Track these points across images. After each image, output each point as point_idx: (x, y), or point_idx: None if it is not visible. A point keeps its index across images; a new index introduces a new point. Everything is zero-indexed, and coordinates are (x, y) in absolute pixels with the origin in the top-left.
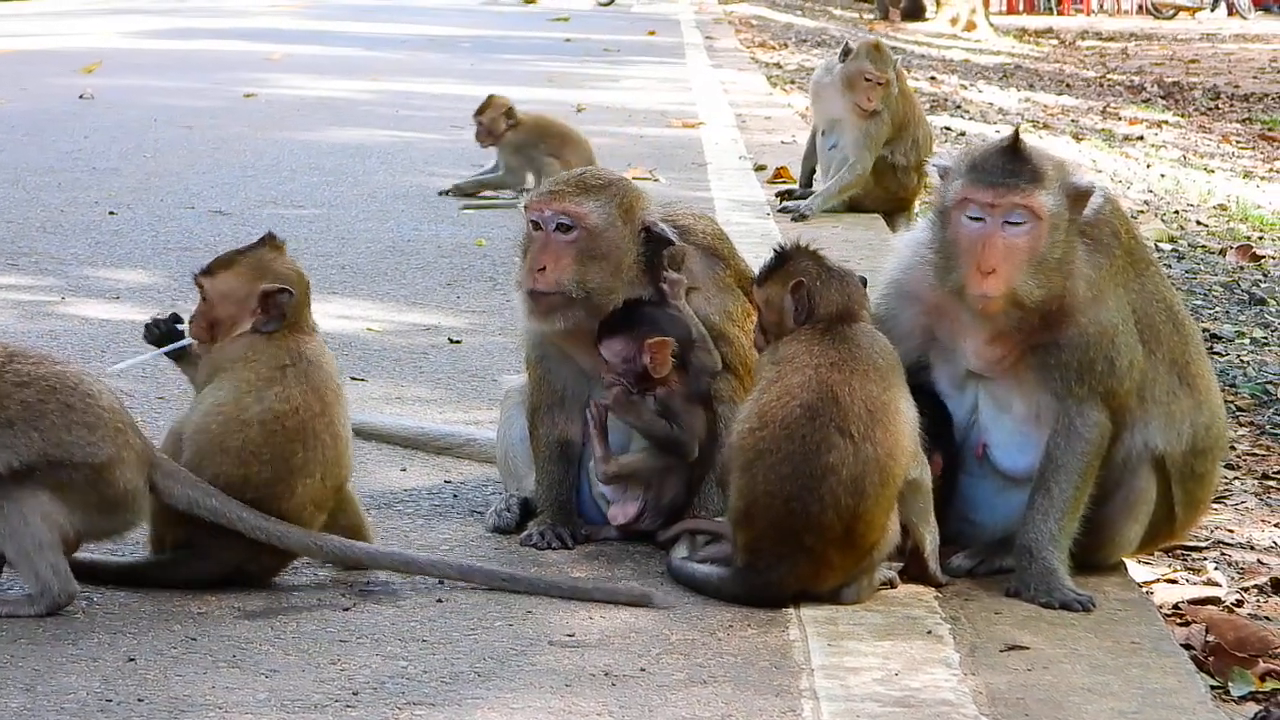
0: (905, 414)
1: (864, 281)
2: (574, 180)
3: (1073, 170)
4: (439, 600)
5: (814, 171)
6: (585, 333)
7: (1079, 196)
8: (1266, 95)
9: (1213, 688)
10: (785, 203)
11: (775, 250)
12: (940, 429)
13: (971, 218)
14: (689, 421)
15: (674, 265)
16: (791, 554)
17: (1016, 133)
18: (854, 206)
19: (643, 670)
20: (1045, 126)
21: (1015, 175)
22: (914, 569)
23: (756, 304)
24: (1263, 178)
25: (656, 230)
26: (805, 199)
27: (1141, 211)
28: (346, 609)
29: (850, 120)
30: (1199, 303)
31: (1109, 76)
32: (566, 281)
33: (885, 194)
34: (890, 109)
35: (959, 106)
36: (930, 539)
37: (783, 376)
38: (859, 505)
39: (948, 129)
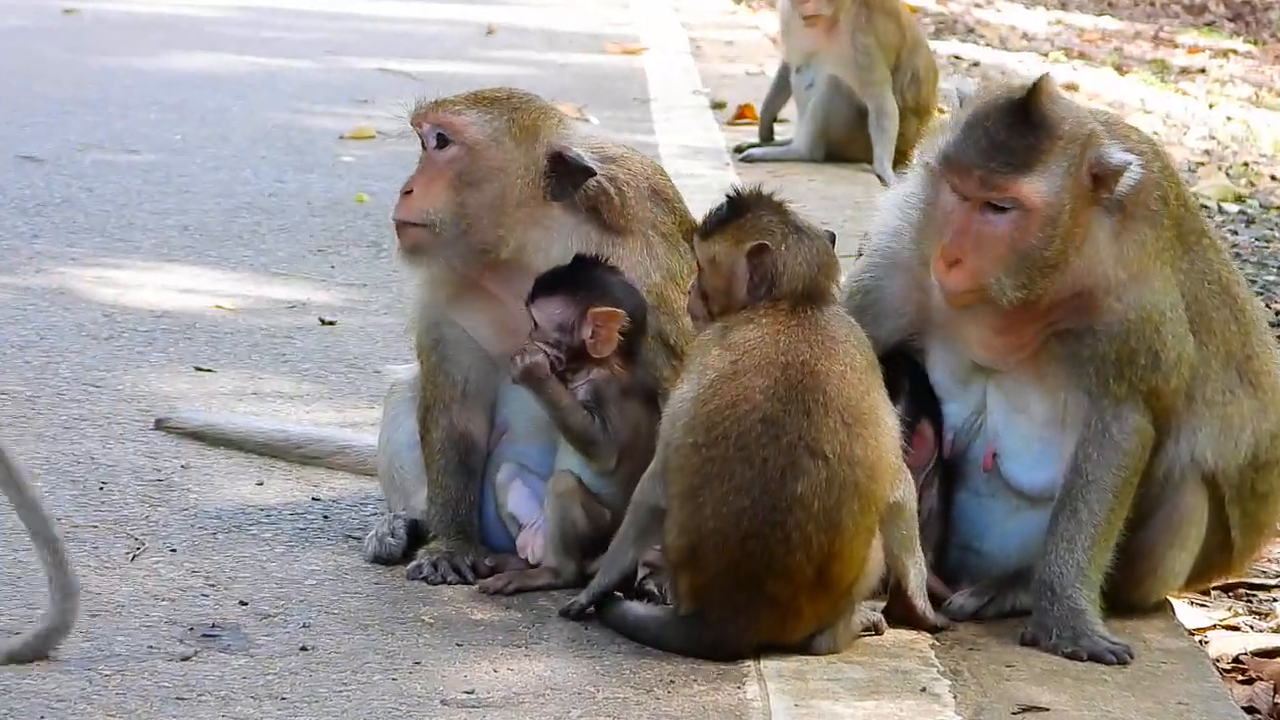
0: (887, 423)
1: (832, 238)
2: (470, 92)
3: (1104, 136)
4: (303, 647)
5: (775, 120)
6: (494, 307)
7: (1106, 176)
8: None
9: None
10: (751, 150)
11: (730, 196)
12: (925, 402)
13: (954, 188)
14: (618, 422)
15: (601, 205)
16: (751, 604)
17: (1034, 89)
18: (836, 155)
19: None
20: (1081, 56)
21: (1007, 153)
22: (898, 609)
23: (699, 261)
24: None
25: (571, 156)
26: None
27: (1201, 164)
28: (186, 657)
29: (828, 53)
30: (1272, 278)
31: None
32: (435, 210)
33: None
34: (877, 32)
35: (971, 30)
36: (915, 572)
37: (738, 373)
38: (834, 542)
39: (957, 58)
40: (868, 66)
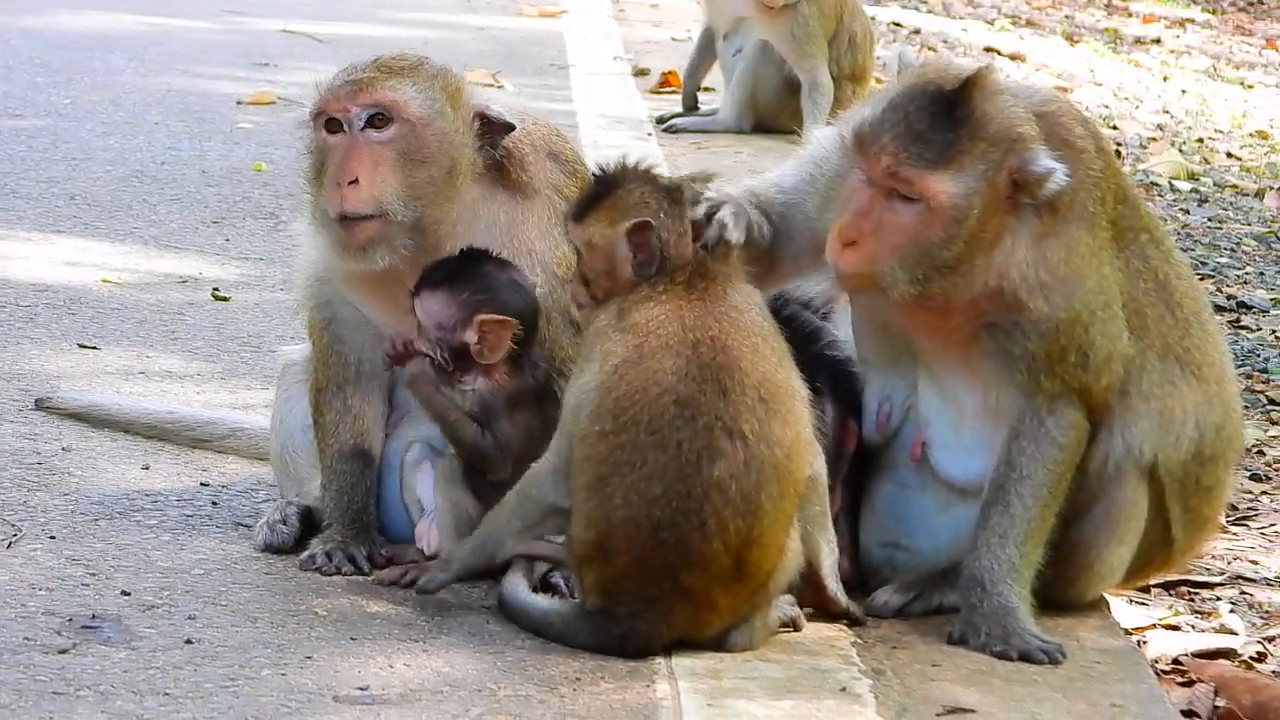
0: (800, 395)
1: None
2: (377, 65)
3: (1032, 141)
4: (189, 640)
5: (700, 89)
6: (392, 282)
7: (1028, 183)
8: None
9: None
10: (675, 119)
11: (596, 174)
12: (839, 385)
13: (860, 169)
14: (508, 433)
15: (507, 165)
16: (663, 597)
17: (966, 84)
18: (764, 126)
19: None
20: (1029, 24)
21: (922, 145)
22: (809, 593)
23: (575, 246)
24: None
25: (494, 115)
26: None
27: (1154, 139)
28: (64, 650)
29: (761, 19)
30: (1224, 260)
31: None
32: (390, 197)
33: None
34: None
35: None
36: (828, 551)
37: (645, 356)
38: (753, 528)
39: (897, 24)
40: (805, 38)
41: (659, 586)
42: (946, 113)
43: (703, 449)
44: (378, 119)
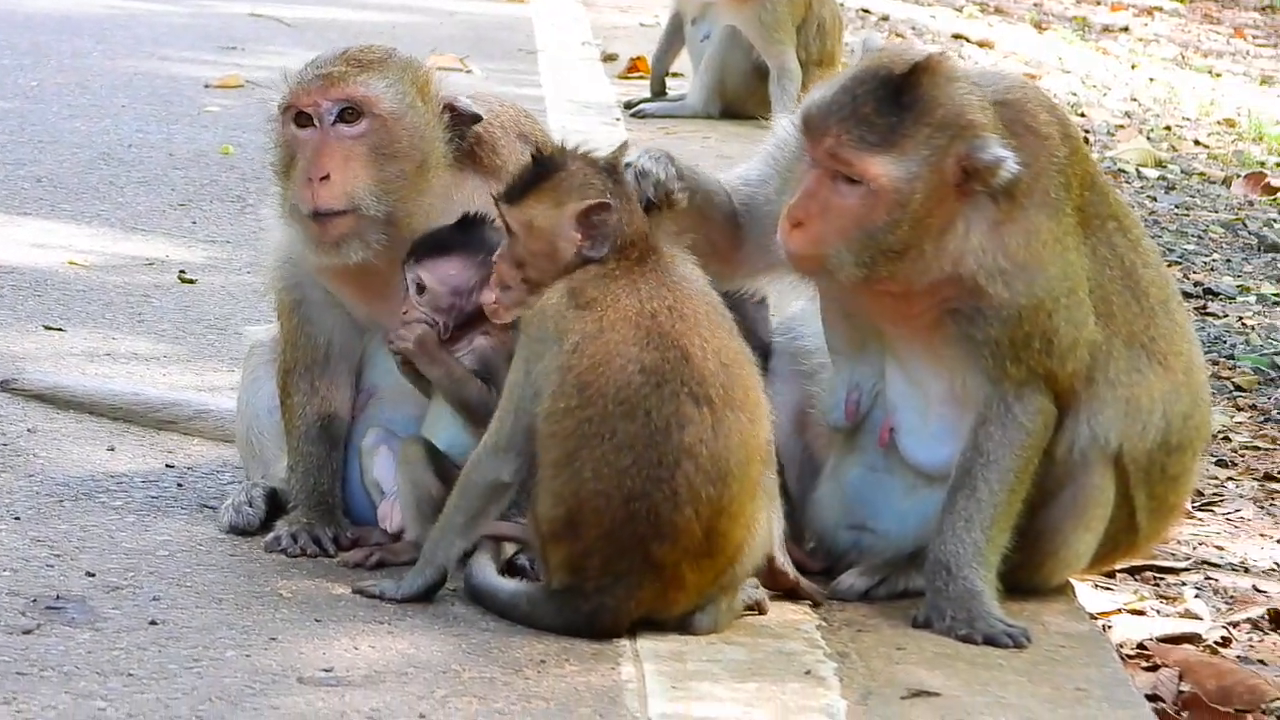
0: (753, 362)
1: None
2: (346, 58)
3: (984, 128)
4: (153, 621)
5: (668, 74)
6: (364, 268)
7: (978, 170)
8: None
9: None
10: (643, 105)
11: (534, 155)
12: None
13: (806, 150)
14: None
15: (479, 150)
16: (632, 572)
17: (915, 69)
18: (733, 112)
19: (422, 717)
20: (997, 11)
21: (865, 127)
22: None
23: (510, 228)
24: None
25: (461, 106)
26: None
27: (1121, 127)
28: (28, 631)
29: (727, 6)
30: (1191, 248)
31: None
32: (362, 192)
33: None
34: None
35: None
36: (776, 519)
37: (605, 329)
38: (722, 495)
39: (865, 11)
40: (773, 25)
41: (628, 560)
42: (893, 97)
43: (671, 415)
44: (348, 113)
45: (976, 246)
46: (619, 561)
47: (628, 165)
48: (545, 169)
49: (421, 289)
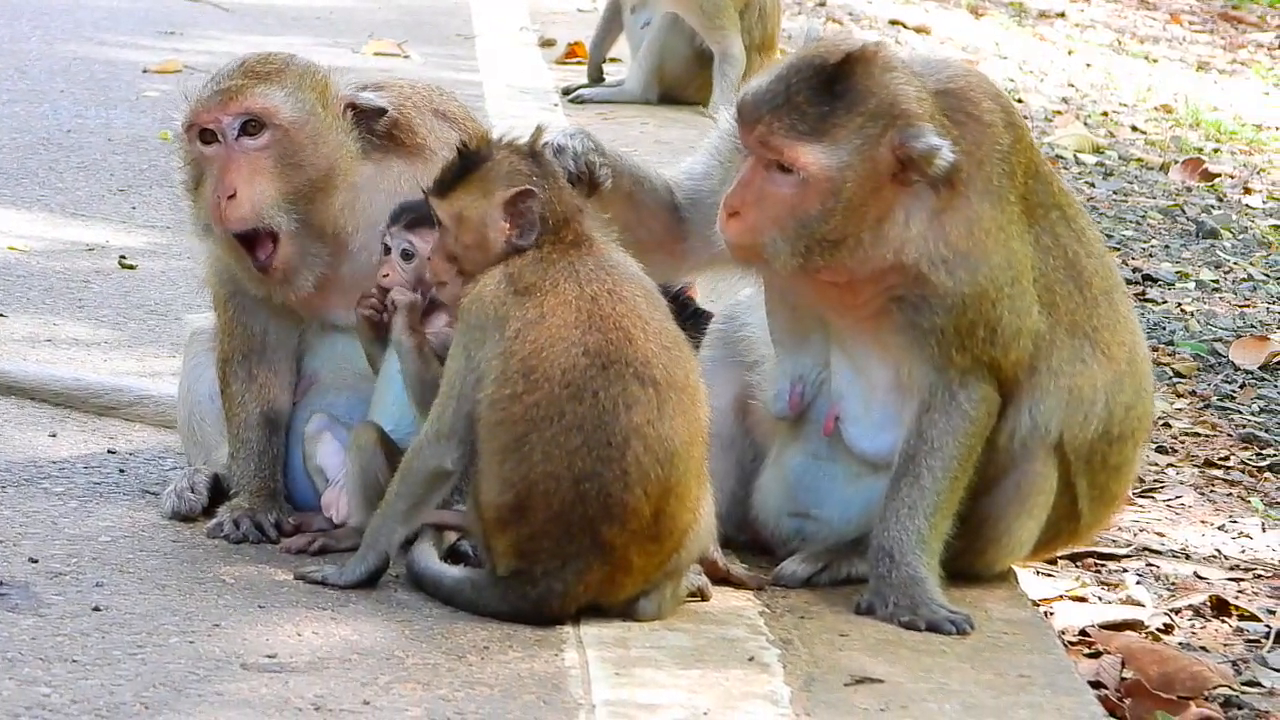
0: (688, 343)
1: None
2: (243, 70)
3: (918, 118)
4: (96, 608)
5: (606, 60)
6: (322, 285)
7: (914, 159)
8: None
9: None
10: (581, 90)
11: (459, 148)
12: None
13: (739, 138)
14: None
15: (399, 131)
16: (581, 554)
17: (846, 59)
18: (672, 98)
19: (366, 704)
20: None
21: (796, 116)
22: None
23: (440, 221)
24: (1222, 71)
25: (363, 103)
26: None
27: (1059, 113)
28: None
29: None
30: (1129, 234)
31: None
32: (269, 206)
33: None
34: None
35: None
36: (706, 500)
37: (546, 314)
38: (670, 475)
39: (821, 3)
40: (714, 11)
41: (578, 543)
42: (826, 86)
43: (619, 396)
44: (250, 126)
45: (917, 235)
46: (568, 544)
47: (545, 144)
48: (471, 160)
49: (409, 255)
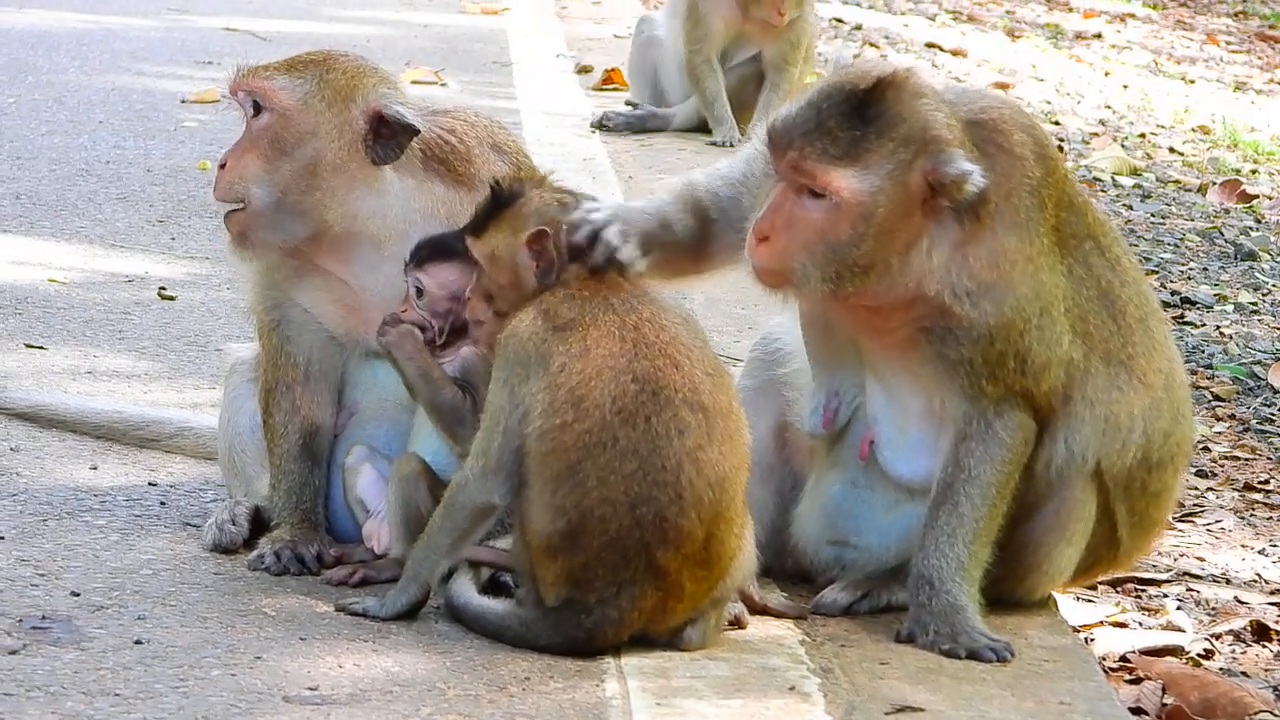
0: (726, 368)
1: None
2: (290, 57)
3: (950, 144)
4: (138, 641)
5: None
6: (335, 285)
7: (945, 185)
8: None
9: None
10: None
11: (493, 187)
12: None
13: (770, 164)
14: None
15: (450, 158)
16: (635, 580)
17: (877, 84)
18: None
19: None
20: (970, 19)
21: (828, 141)
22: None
23: (479, 261)
24: (1259, 91)
25: (391, 115)
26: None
27: (1096, 135)
28: (13, 651)
29: (766, 37)
30: (1167, 256)
31: None
32: (247, 183)
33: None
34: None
35: None
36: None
37: (590, 346)
38: (720, 499)
39: (839, 21)
40: (796, 44)
41: (633, 568)
42: (858, 111)
43: (670, 421)
44: (256, 106)
45: (939, 266)
46: (623, 570)
47: (589, 226)
48: (504, 199)
49: (421, 293)
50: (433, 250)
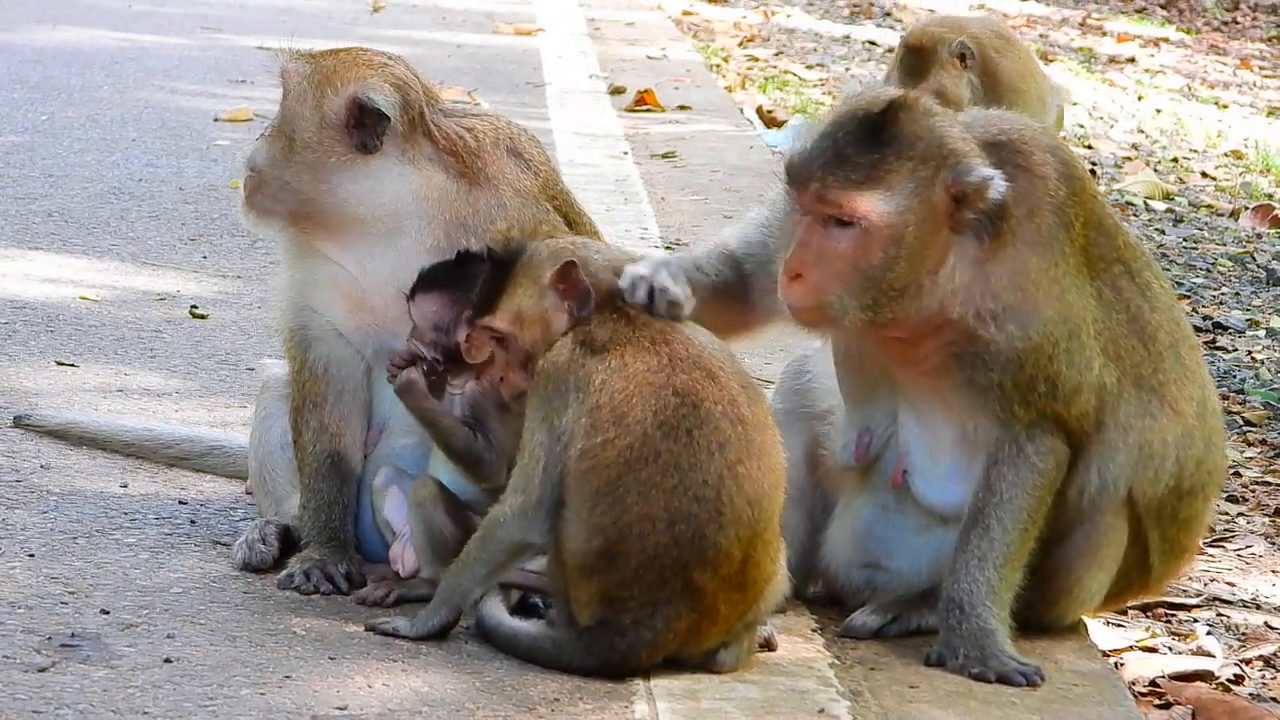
0: (758, 386)
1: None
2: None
3: (967, 156)
4: (168, 659)
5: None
6: (341, 277)
7: (968, 194)
8: None
9: None
10: None
11: (489, 253)
12: None
13: (792, 199)
14: (500, 435)
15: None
16: (670, 600)
17: (889, 107)
18: None
19: None
20: None
21: (848, 167)
22: None
23: (501, 334)
24: None
25: (365, 100)
26: None
27: (1128, 159)
28: (43, 669)
29: None
30: (1199, 281)
31: None
32: (257, 157)
33: None
34: None
35: (889, 14)
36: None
37: (627, 364)
38: (759, 518)
39: (872, 44)
40: None
41: (669, 588)
42: (873, 135)
43: (711, 434)
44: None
45: (962, 285)
46: (659, 589)
47: (643, 281)
48: (506, 262)
49: (414, 323)
50: (420, 281)
